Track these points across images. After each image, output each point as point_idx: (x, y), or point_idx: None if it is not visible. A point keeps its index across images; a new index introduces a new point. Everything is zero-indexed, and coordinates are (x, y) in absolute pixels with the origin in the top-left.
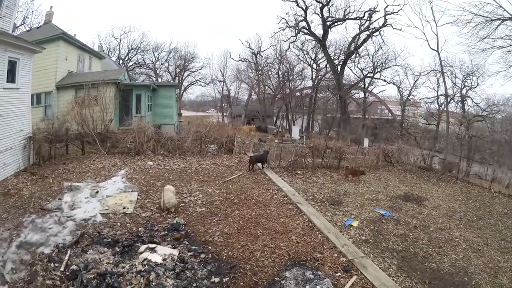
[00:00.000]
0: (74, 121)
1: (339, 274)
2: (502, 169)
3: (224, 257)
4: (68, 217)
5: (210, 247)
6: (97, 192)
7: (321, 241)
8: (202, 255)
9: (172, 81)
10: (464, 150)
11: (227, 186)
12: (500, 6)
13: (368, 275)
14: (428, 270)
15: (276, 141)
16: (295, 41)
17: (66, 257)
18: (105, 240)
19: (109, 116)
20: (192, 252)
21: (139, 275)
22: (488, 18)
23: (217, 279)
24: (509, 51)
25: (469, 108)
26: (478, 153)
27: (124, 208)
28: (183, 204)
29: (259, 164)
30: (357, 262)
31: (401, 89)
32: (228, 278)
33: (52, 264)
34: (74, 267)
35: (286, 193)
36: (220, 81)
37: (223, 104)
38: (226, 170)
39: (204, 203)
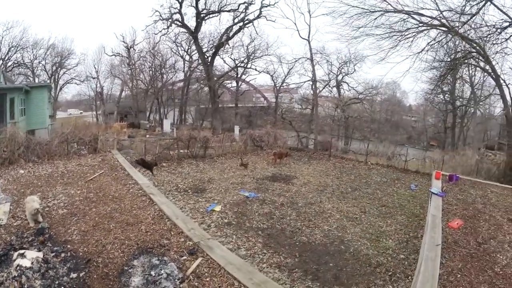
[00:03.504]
0: None
1: (184, 257)
2: (383, 144)
3: (81, 254)
4: None
5: (69, 246)
6: None
7: (169, 228)
8: (63, 254)
9: (45, 81)
10: (341, 130)
11: (88, 186)
12: (384, 0)
13: (214, 255)
14: (297, 243)
15: (148, 136)
16: (167, 33)
17: None
18: None
19: None
20: (54, 252)
21: (14, 280)
22: (367, 10)
23: (75, 275)
24: (383, 38)
25: (344, 92)
26: (358, 132)
27: None
28: (47, 208)
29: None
30: (203, 244)
31: (274, 77)
32: (84, 273)
33: None
34: None
35: (141, 186)
36: (94, 78)
37: (97, 102)
38: (89, 170)
39: (66, 204)
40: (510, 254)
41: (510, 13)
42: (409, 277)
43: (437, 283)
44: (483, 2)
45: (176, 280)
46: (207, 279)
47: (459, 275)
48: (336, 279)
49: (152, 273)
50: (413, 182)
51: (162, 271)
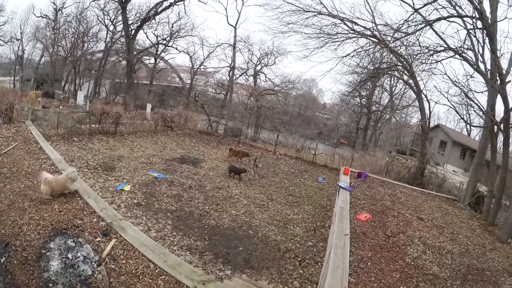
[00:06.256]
0: None
1: (99, 239)
2: (293, 137)
3: None
4: None
5: None
6: None
7: (81, 207)
8: None
9: None
10: (252, 119)
11: (2, 160)
12: (321, 3)
13: (127, 237)
14: (206, 227)
15: (61, 107)
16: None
17: None
18: None
19: None
20: None
21: None
22: (301, 9)
23: None
24: (310, 37)
25: (260, 82)
26: (269, 122)
27: None
28: None
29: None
30: (115, 225)
31: (193, 59)
32: (4, 258)
33: None
34: None
35: (53, 161)
36: (17, 40)
37: (16, 67)
38: (3, 142)
39: None
40: (421, 248)
41: (447, 40)
42: (319, 263)
43: (348, 268)
44: (423, 25)
45: (93, 263)
46: (123, 261)
47: (369, 263)
48: (246, 263)
49: (69, 256)
50: (321, 175)
51: (79, 254)
